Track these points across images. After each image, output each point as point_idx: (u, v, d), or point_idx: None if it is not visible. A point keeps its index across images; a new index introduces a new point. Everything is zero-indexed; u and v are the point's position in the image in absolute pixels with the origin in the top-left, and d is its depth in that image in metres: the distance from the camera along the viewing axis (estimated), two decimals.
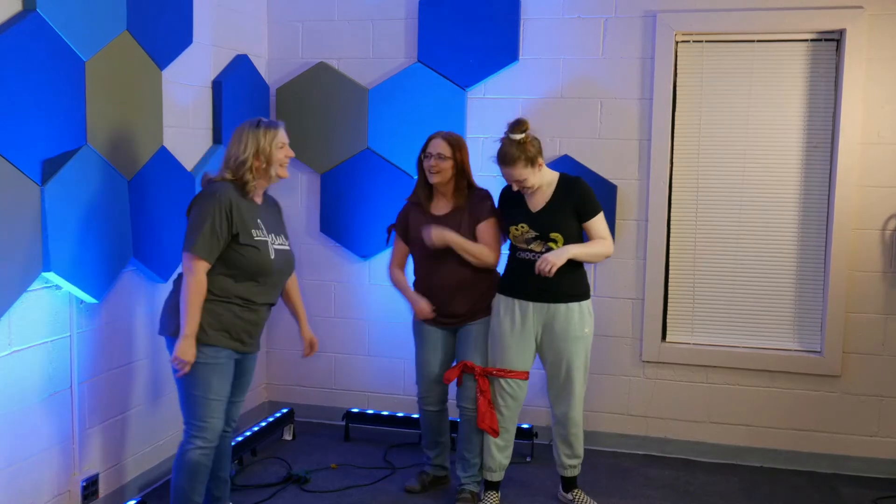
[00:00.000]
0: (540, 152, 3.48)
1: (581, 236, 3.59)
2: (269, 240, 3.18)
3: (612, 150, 4.39)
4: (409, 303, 3.79)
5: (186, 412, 3.16)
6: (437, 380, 3.81)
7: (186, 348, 3.02)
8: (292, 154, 3.25)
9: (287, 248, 3.30)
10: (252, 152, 3.11)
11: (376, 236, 4.62)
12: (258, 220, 3.15)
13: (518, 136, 3.43)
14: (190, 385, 3.10)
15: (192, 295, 3.02)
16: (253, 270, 3.11)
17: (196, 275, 3.02)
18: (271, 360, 4.98)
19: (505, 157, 3.44)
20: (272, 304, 3.29)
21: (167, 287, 3.85)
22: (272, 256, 3.16)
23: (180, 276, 3.16)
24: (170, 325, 3.14)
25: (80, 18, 3.21)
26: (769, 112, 4.27)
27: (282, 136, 3.18)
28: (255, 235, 3.11)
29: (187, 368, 3.04)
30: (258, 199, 3.22)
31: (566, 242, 3.53)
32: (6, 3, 2.93)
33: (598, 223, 3.57)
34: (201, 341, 3.07)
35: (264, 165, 3.14)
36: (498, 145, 3.51)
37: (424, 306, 3.71)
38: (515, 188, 3.53)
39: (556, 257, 3.44)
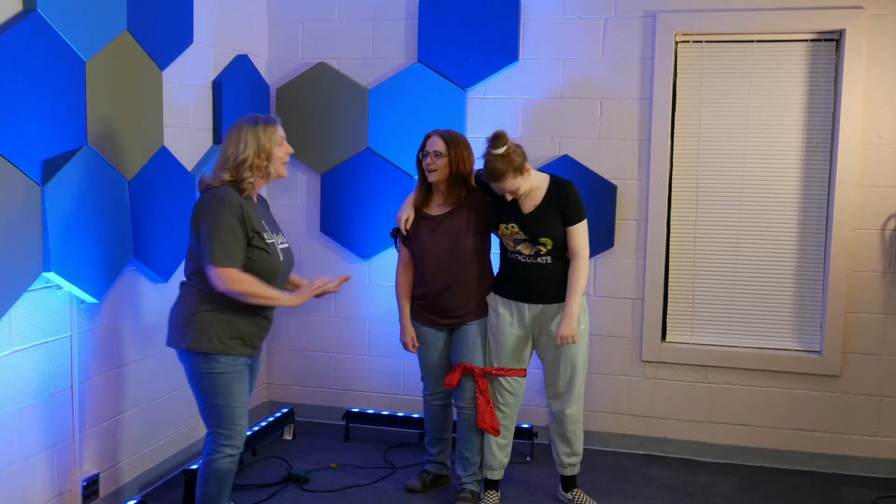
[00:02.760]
0: (525, 158, 3.45)
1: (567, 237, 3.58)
2: (275, 240, 3.14)
3: (612, 150, 4.39)
4: (400, 326, 3.84)
5: (211, 422, 3.12)
6: (443, 375, 3.82)
7: (304, 295, 3.10)
8: (291, 150, 3.18)
9: (287, 245, 3.26)
10: (253, 150, 3.03)
11: (376, 236, 4.62)
12: (262, 222, 3.11)
13: (500, 150, 3.38)
14: (212, 396, 3.07)
15: (256, 291, 2.98)
16: (264, 273, 3.04)
17: (237, 279, 2.95)
18: (271, 360, 4.98)
19: (493, 174, 3.40)
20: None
21: (168, 287, 3.86)
22: (281, 258, 3.13)
23: (184, 283, 3.12)
24: (181, 338, 3.06)
25: (81, 18, 3.22)
26: (769, 112, 4.27)
27: (280, 131, 3.11)
28: (265, 238, 3.06)
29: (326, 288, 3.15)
30: (255, 198, 3.15)
31: (554, 246, 3.53)
32: (6, 3, 2.93)
33: (578, 231, 3.54)
34: (218, 351, 3.03)
35: (265, 164, 3.07)
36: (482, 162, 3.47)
37: (407, 341, 3.81)
38: (510, 198, 3.50)
39: (570, 328, 3.49)
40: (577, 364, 3.62)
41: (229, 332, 3.04)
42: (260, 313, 3.12)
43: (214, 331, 3.02)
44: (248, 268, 3.02)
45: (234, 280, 2.95)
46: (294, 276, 3.37)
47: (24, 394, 3.13)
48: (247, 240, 3.00)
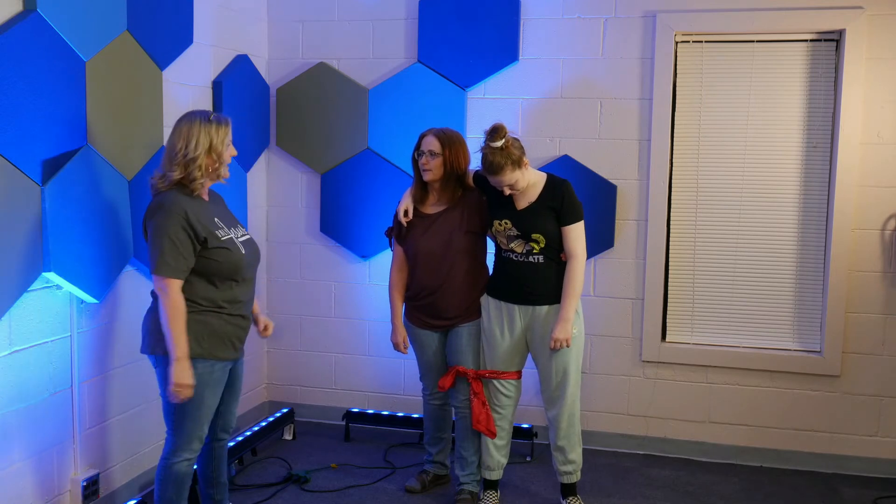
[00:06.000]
0: (523, 152, 3.44)
1: (562, 238, 3.55)
2: (233, 235, 3.08)
3: (612, 150, 4.39)
4: (392, 326, 3.82)
5: (173, 424, 3.04)
6: (440, 375, 3.81)
7: (182, 371, 2.87)
8: (235, 153, 3.09)
9: (249, 237, 3.19)
10: (204, 149, 2.93)
11: (376, 236, 4.62)
12: (215, 220, 3.04)
13: (499, 143, 3.36)
14: (182, 401, 2.98)
15: (172, 317, 2.88)
16: (230, 271, 3.01)
17: (170, 295, 2.88)
18: (271, 360, 4.99)
19: (492, 167, 3.39)
20: (252, 301, 3.21)
21: None
22: (243, 252, 3.07)
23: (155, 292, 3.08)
24: (156, 345, 2.99)
25: (81, 18, 3.22)
26: (769, 112, 4.27)
27: (230, 133, 3.02)
28: (220, 236, 3.00)
29: (189, 392, 2.90)
30: (205, 197, 3.07)
31: (547, 244, 3.51)
32: (6, 3, 2.93)
33: (573, 232, 3.50)
34: (196, 355, 2.95)
35: (216, 164, 2.99)
36: (480, 156, 3.45)
37: (398, 341, 3.80)
38: (507, 193, 3.49)
39: (564, 331, 3.47)
40: (570, 368, 3.58)
41: (207, 334, 2.99)
42: (238, 313, 3.08)
43: (191, 333, 2.94)
44: (212, 269, 2.97)
45: (167, 295, 2.88)
46: (256, 308, 3.28)
47: (24, 394, 3.13)
48: (200, 244, 2.94)
